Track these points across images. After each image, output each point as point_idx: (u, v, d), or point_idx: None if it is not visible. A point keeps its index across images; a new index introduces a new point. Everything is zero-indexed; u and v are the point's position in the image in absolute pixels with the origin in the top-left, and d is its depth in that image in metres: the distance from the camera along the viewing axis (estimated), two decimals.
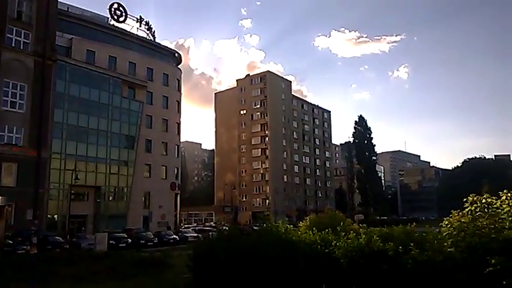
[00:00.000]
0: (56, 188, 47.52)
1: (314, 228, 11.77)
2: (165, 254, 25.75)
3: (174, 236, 44.10)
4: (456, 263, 8.17)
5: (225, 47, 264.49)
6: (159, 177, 60.88)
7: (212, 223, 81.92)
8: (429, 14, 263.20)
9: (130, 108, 57.13)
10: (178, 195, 65.30)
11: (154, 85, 61.86)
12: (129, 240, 38.17)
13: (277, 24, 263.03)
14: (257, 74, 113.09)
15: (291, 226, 13.41)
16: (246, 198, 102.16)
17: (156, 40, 66.35)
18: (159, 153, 61.48)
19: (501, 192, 9.09)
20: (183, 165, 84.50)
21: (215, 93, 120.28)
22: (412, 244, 8.84)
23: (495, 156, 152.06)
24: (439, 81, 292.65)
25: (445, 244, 8.64)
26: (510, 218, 8.35)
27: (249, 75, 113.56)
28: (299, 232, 13.06)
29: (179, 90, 68.30)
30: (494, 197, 8.96)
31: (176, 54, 72.26)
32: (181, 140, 70.49)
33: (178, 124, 66.84)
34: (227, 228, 15.12)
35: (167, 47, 73.68)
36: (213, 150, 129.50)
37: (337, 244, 9.65)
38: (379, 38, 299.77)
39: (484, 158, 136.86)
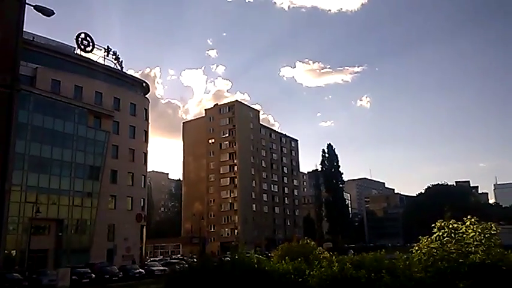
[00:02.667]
0: (15, 222, 45.25)
1: (287, 258, 11.80)
2: None
3: (140, 269, 42.89)
4: (427, 287, 8.38)
5: (191, 77, 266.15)
6: (124, 209, 59.33)
7: (179, 255, 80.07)
8: (389, 46, 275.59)
9: (96, 138, 56.01)
10: (144, 227, 63.65)
11: (121, 115, 61.11)
12: (93, 275, 36.99)
13: (243, 54, 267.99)
14: (225, 103, 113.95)
15: (264, 256, 13.37)
16: (214, 228, 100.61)
17: (123, 70, 66.07)
18: (124, 184, 60.16)
19: (465, 218, 9.49)
20: (149, 196, 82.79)
21: (183, 123, 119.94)
22: (383, 271, 9.03)
23: (456, 182, 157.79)
24: (400, 110, 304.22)
25: (416, 270, 8.89)
26: (475, 243, 8.74)
27: (217, 104, 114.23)
28: (271, 262, 13.03)
29: (147, 119, 67.70)
30: (459, 222, 9.35)
31: (144, 84, 71.97)
32: (147, 170, 69.31)
33: (145, 154, 65.89)
34: (195, 260, 14.85)
35: (135, 77, 73.40)
36: (180, 180, 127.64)
37: (311, 273, 9.71)
38: (342, 68, 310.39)
39: (447, 184, 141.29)
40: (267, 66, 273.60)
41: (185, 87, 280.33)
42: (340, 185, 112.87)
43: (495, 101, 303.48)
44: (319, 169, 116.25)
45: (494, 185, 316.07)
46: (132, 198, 61.08)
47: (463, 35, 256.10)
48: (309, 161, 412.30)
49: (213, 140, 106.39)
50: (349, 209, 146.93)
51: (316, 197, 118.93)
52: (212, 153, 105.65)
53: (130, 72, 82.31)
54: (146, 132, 66.76)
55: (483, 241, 8.98)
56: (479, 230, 9.14)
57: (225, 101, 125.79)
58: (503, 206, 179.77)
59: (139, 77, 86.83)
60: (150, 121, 69.55)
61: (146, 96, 71.04)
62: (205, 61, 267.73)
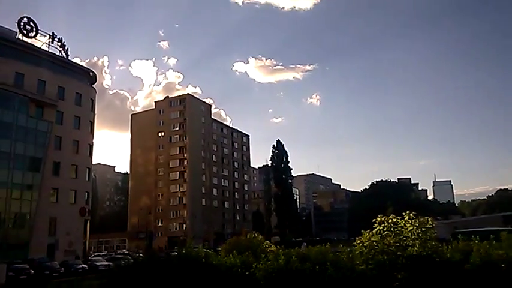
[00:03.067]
0: None
1: (234, 252, 11.87)
2: (73, 285, 24.13)
3: (83, 265, 41.57)
4: (368, 279, 8.76)
5: (141, 68, 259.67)
6: (67, 202, 57.02)
7: (125, 250, 78.22)
8: (340, 46, 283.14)
9: (38, 128, 53.37)
10: (88, 221, 61.58)
11: (65, 104, 58.49)
12: (32, 272, 35.28)
13: (196, 47, 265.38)
14: (177, 96, 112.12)
15: (212, 250, 13.38)
16: (162, 223, 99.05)
17: (69, 58, 63.14)
18: (68, 177, 57.76)
19: (404, 213, 10.01)
20: (94, 189, 79.91)
21: (132, 114, 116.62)
22: (328, 263, 9.32)
23: (398, 179, 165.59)
24: (348, 109, 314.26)
25: (358, 262, 9.26)
26: (413, 237, 9.24)
27: (168, 97, 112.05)
28: (219, 256, 13.06)
29: (92, 110, 65.26)
30: (399, 217, 9.86)
31: (90, 73, 69.15)
32: (92, 163, 66.90)
33: (91, 146, 63.58)
34: (141, 255, 14.59)
35: (81, 65, 70.51)
36: (127, 173, 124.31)
37: (258, 266, 9.83)
38: (294, 66, 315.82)
39: (389, 181, 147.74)
40: (219, 60, 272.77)
41: (134, 78, 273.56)
42: (289, 180, 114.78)
43: (435, 101, 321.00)
44: (269, 164, 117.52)
45: (433, 182, 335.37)
46: (75, 191, 58.78)
47: (410, 36, 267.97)
48: (260, 157, 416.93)
49: (162, 133, 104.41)
50: (298, 203, 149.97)
51: (266, 192, 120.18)
52: (161, 146, 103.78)
53: (76, 60, 78.90)
54: (92, 123, 64.41)
55: (420, 235, 9.54)
56: (417, 224, 9.68)
57: (176, 93, 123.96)
58: (440, 201, 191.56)
59: (85, 65, 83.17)
60: (96, 112, 67.31)
61: (93, 86, 68.41)
62: (156, 52, 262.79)
